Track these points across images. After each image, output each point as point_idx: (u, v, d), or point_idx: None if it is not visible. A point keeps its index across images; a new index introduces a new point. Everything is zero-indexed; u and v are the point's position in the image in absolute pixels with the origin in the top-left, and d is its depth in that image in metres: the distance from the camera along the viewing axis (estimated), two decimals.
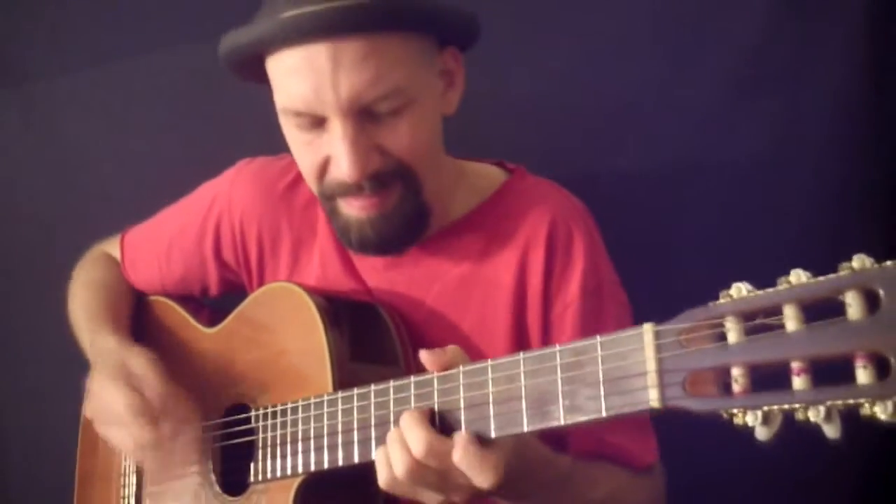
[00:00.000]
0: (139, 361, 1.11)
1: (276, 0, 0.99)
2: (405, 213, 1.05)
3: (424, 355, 0.89)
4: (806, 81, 1.32)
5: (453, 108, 1.10)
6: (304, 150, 1.04)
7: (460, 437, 0.84)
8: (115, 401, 1.07)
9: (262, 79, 1.05)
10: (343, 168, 0.99)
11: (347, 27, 0.94)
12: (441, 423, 0.87)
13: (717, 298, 0.70)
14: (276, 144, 1.28)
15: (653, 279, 1.29)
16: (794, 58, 1.32)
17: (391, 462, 0.87)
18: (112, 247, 1.36)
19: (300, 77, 0.97)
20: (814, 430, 0.65)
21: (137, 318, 1.31)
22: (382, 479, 0.89)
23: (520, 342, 1.10)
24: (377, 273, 1.15)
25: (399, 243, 1.08)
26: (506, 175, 1.19)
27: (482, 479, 0.82)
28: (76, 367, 1.26)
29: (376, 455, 0.89)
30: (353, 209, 1.04)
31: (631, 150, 1.40)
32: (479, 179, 1.18)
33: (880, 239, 1.30)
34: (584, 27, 1.41)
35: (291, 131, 1.05)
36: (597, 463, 1.06)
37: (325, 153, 1.02)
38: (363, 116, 0.98)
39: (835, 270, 0.64)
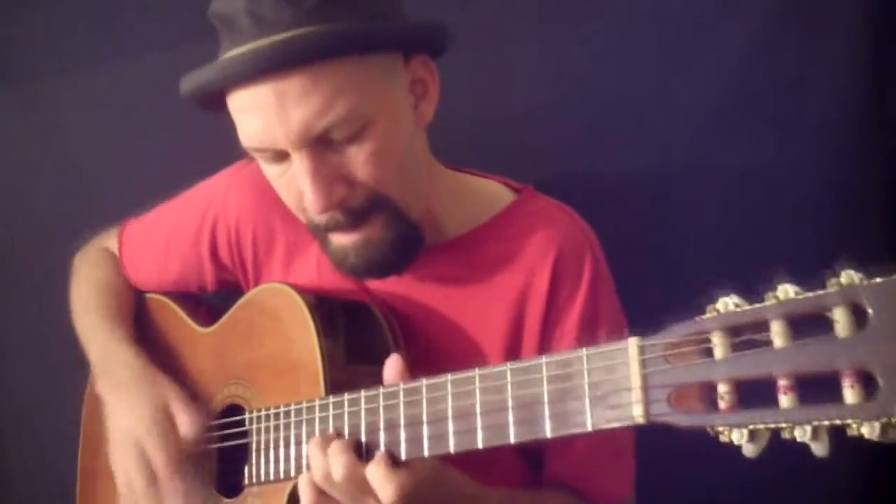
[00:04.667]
0: (177, 402, 1.11)
1: (222, 37, 0.98)
2: (391, 240, 1.02)
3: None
4: (807, 83, 1.31)
5: (429, 118, 1.06)
6: (279, 183, 1.03)
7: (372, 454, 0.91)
8: (152, 447, 1.08)
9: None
10: (308, 200, 0.98)
11: (283, 64, 0.92)
12: (430, 432, 0.87)
13: (704, 311, 0.69)
14: None
15: (652, 281, 1.28)
16: (795, 60, 1.31)
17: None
18: (111, 241, 1.36)
19: (250, 115, 0.96)
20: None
21: (136, 317, 1.31)
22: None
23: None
24: (375, 281, 1.14)
25: (390, 267, 1.06)
26: (513, 194, 1.16)
27: (385, 493, 0.88)
28: (76, 366, 1.26)
29: (300, 482, 0.96)
30: (338, 242, 1.03)
31: (632, 153, 1.38)
32: (484, 196, 1.16)
33: (881, 241, 1.28)
34: (584, 28, 1.39)
35: (263, 165, 1.04)
36: (552, 495, 1.07)
37: (298, 187, 1.00)
38: (321, 147, 0.96)
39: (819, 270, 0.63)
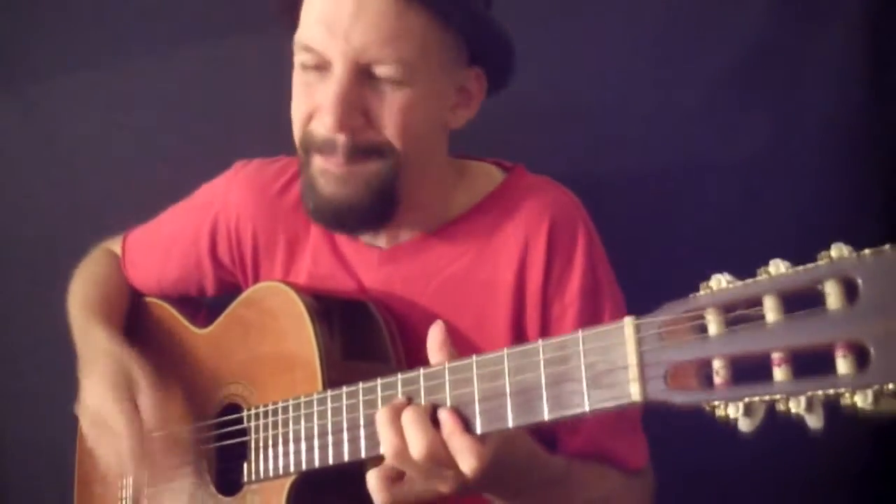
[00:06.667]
0: (137, 370, 1.11)
1: None
2: (372, 189, 1.04)
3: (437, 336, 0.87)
4: (806, 81, 1.33)
5: (458, 125, 1.11)
6: (302, 92, 1.05)
7: (447, 422, 0.83)
8: (111, 412, 1.08)
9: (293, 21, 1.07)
10: (323, 116, 1.00)
11: None
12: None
13: (698, 289, 0.70)
14: (275, 144, 1.29)
15: (652, 278, 1.28)
16: (794, 58, 1.33)
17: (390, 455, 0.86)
18: (115, 245, 1.38)
19: (321, 13, 0.99)
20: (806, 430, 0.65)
21: (132, 320, 1.32)
22: (376, 495, 0.89)
23: (518, 340, 1.09)
24: (372, 269, 1.15)
25: (350, 219, 1.07)
26: (504, 173, 1.19)
27: (466, 464, 0.82)
28: (76, 367, 1.26)
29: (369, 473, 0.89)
30: (321, 164, 1.04)
31: (631, 150, 1.40)
32: (477, 178, 1.18)
33: (880, 239, 1.29)
34: (585, 27, 1.41)
35: (297, 70, 1.05)
36: (589, 464, 1.06)
37: (316, 101, 1.02)
38: (363, 76, 0.99)
39: (814, 260, 0.64)
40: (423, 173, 1.09)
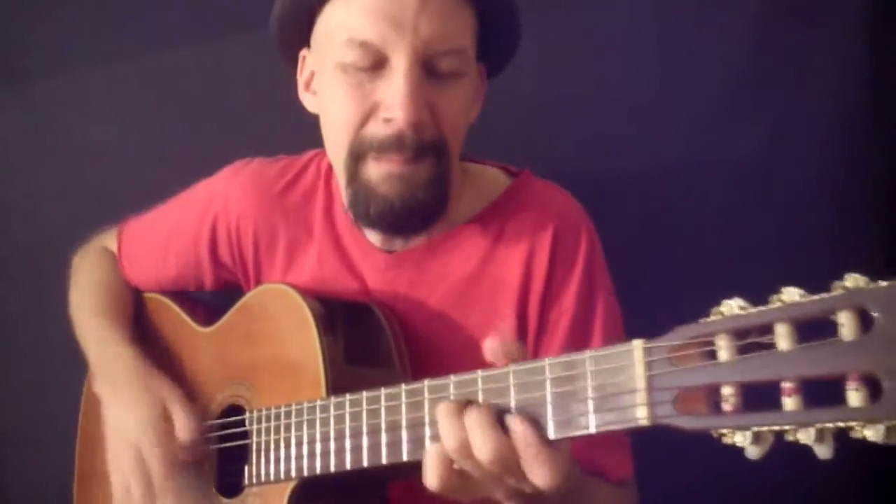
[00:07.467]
0: (171, 395, 1.10)
1: None
2: (430, 187, 1.02)
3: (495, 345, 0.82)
4: (805, 81, 1.32)
5: (473, 118, 1.10)
6: (351, 93, 1.00)
7: (521, 430, 0.78)
8: (150, 452, 1.07)
9: (298, 39, 1.07)
10: (396, 109, 0.97)
11: None
12: (432, 433, 0.85)
13: (710, 310, 0.69)
14: (276, 143, 1.28)
15: (652, 278, 1.29)
16: (793, 58, 1.32)
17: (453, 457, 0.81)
18: (110, 241, 1.36)
19: (380, 10, 0.96)
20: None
21: (134, 317, 1.31)
22: (431, 480, 0.82)
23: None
24: (378, 273, 1.15)
25: (414, 221, 1.05)
26: (510, 178, 1.18)
27: (542, 478, 0.77)
28: (75, 366, 1.26)
29: (428, 453, 0.83)
30: (381, 169, 1.01)
31: (631, 150, 1.40)
32: (483, 182, 1.18)
33: (880, 240, 1.29)
34: (583, 27, 1.41)
35: (336, 73, 1.01)
36: (588, 475, 1.06)
37: (374, 100, 1.00)
38: (425, 69, 0.98)
39: (833, 278, 0.63)
40: (457, 164, 1.09)
